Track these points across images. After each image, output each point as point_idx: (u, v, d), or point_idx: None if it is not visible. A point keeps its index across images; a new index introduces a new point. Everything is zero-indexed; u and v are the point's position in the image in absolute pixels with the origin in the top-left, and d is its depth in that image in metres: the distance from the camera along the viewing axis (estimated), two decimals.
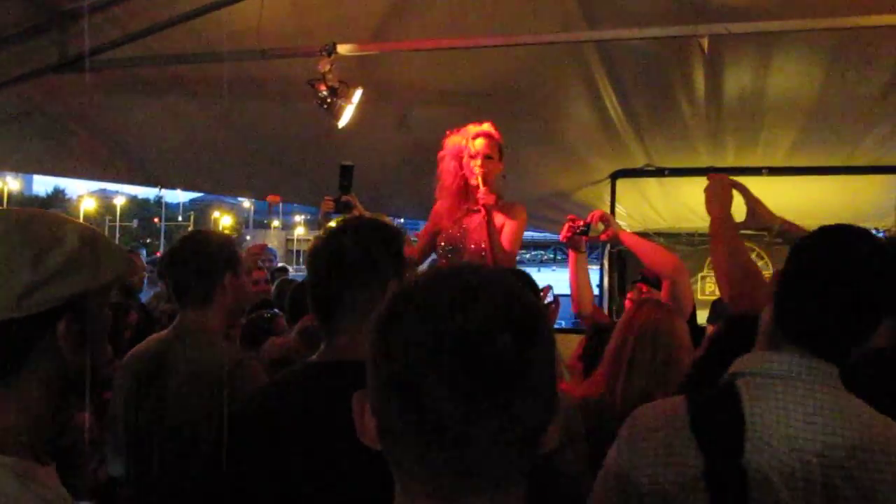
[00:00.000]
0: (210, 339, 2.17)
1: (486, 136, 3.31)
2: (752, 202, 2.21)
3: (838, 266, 1.39)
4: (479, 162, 3.28)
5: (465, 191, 3.38)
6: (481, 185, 3.24)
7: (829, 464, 1.27)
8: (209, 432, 1.75)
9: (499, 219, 3.32)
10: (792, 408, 1.31)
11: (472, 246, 3.31)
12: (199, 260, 2.20)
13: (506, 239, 3.31)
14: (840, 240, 1.45)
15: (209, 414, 1.81)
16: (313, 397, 1.43)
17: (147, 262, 7.52)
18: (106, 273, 1.11)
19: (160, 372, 2.12)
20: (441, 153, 3.40)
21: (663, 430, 1.37)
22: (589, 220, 3.14)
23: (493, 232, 3.24)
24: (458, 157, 3.34)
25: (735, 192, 2.22)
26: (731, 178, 2.26)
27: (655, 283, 3.35)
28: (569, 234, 3.18)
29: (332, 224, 1.60)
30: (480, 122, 3.37)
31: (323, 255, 1.55)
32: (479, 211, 3.28)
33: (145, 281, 6.03)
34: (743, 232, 2.12)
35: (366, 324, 1.43)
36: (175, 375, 2.10)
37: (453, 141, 3.36)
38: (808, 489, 1.26)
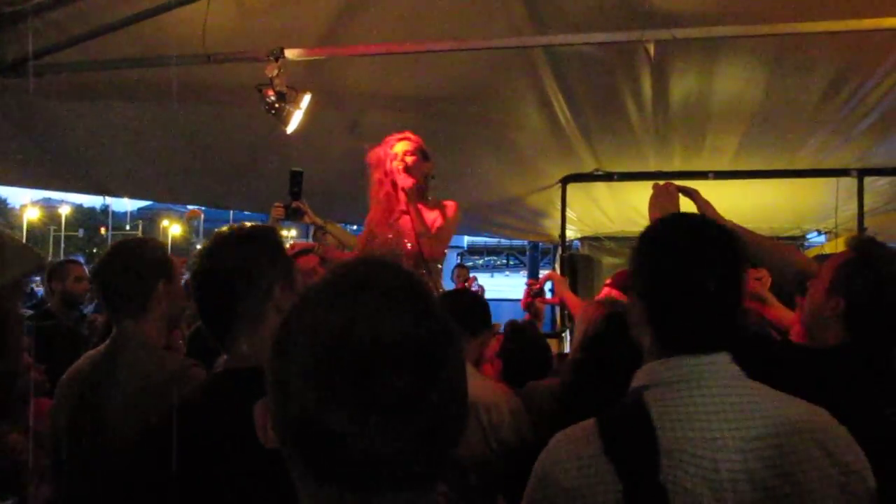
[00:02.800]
0: (151, 349, 2.12)
1: (406, 139, 3.48)
2: (703, 206, 2.25)
3: (688, 258, 1.41)
4: (399, 162, 3.42)
5: (394, 196, 3.48)
6: (398, 176, 3.37)
7: (752, 458, 1.26)
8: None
9: (431, 215, 3.44)
10: (703, 410, 1.30)
11: (409, 246, 3.38)
12: (132, 268, 2.14)
13: (435, 226, 3.40)
14: (679, 231, 1.48)
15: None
16: (227, 406, 1.43)
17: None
18: (11, 271, 1.08)
19: (102, 387, 2.04)
20: (369, 166, 3.53)
21: (577, 460, 1.33)
22: (542, 282, 3.70)
23: (418, 217, 3.36)
24: (382, 164, 3.47)
25: (685, 198, 2.26)
26: (680, 183, 2.29)
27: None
28: (528, 300, 3.65)
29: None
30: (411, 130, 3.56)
31: (204, 275, 1.61)
32: (408, 212, 3.38)
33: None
34: None
35: (259, 329, 1.46)
36: (119, 389, 2.03)
37: (375, 152, 3.48)
38: (736, 489, 1.25)
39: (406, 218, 3.44)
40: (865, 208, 5.94)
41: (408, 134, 3.54)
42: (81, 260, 6.49)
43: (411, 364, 0.74)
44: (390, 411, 0.73)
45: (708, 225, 1.47)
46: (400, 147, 3.47)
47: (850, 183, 5.85)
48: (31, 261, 1.18)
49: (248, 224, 1.75)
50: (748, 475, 1.25)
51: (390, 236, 3.46)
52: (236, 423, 1.08)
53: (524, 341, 3.32)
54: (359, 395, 0.72)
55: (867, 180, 5.83)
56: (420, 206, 3.43)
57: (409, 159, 3.45)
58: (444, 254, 3.61)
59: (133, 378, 2.02)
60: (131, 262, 2.15)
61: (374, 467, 0.74)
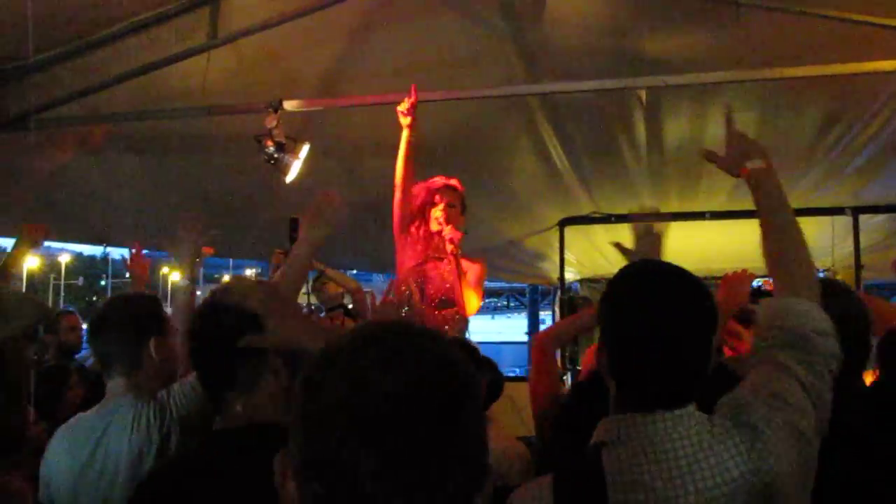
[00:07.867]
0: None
1: (454, 187, 3.40)
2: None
3: (653, 311, 1.32)
4: (440, 210, 3.32)
5: (427, 239, 3.40)
6: (444, 228, 3.26)
7: None
8: None
9: (463, 265, 3.32)
10: (658, 475, 1.23)
11: (432, 292, 3.31)
12: (122, 327, 2.09)
13: (472, 282, 3.33)
14: (646, 281, 1.39)
15: None
16: (228, 464, 1.41)
17: None
18: (13, 325, 1.10)
19: (97, 451, 1.97)
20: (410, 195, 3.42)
21: None
22: None
23: (460, 272, 3.25)
24: (422, 207, 3.39)
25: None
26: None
27: None
28: None
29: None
30: (448, 176, 3.44)
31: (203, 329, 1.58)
32: (441, 259, 3.30)
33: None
34: None
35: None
36: (113, 452, 1.95)
37: (417, 189, 3.39)
38: None
39: (437, 264, 3.35)
40: (862, 245, 5.97)
41: (454, 182, 3.43)
42: (73, 309, 6.47)
43: (435, 407, 0.75)
44: (418, 456, 0.74)
45: (679, 275, 1.38)
46: (445, 194, 3.37)
47: (845, 221, 5.88)
48: (33, 312, 1.21)
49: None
50: None
51: (418, 279, 3.32)
52: (249, 477, 1.08)
53: None
54: (388, 437, 0.73)
55: (863, 218, 5.87)
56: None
57: (452, 210, 3.35)
58: None
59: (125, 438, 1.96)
60: (120, 322, 2.10)
61: None
